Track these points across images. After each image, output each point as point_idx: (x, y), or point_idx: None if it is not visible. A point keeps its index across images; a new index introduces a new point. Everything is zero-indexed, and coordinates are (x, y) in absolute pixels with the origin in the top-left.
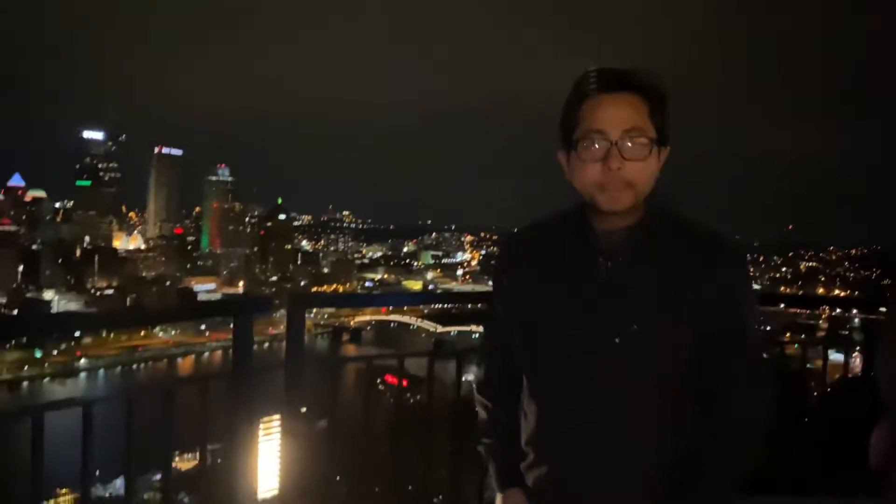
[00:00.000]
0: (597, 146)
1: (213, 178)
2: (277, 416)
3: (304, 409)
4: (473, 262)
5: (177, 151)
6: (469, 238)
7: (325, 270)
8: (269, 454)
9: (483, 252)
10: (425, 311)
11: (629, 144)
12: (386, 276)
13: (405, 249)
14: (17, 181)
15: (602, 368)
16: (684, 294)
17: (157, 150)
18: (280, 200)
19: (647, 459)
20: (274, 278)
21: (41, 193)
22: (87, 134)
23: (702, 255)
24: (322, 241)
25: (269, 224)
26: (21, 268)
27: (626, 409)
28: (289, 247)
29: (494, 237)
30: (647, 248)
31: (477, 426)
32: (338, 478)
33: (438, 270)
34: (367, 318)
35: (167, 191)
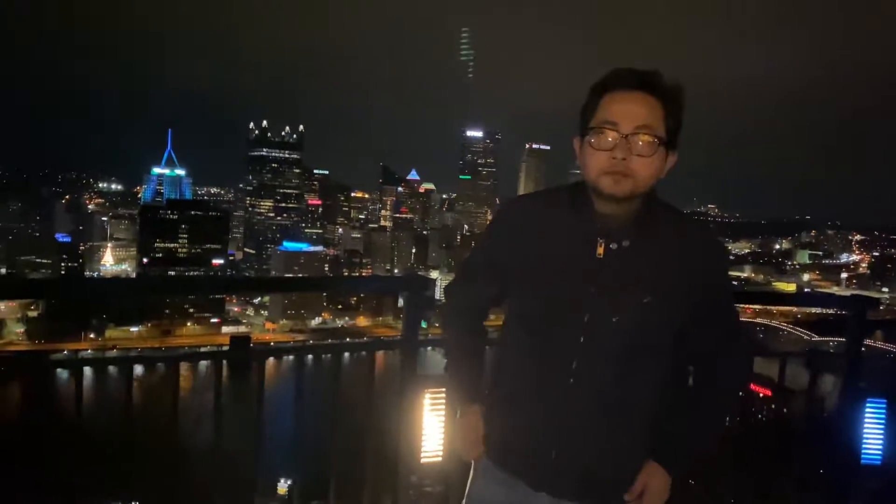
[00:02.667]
0: (608, 137)
1: (576, 171)
2: (444, 389)
3: None
4: (863, 265)
5: (545, 146)
6: (857, 237)
7: None
8: (434, 423)
9: (876, 254)
10: (798, 316)
11: (638, 140)
12: (752, 274)
13: (777, 247)
14: (413, 176)
15: (592, 332)
16: (677, 276)
17: (528, 146)
18: None
19: (618, 410)
20: None
21: (431, 186)
22: (470, 133)
23: (690, 243)
24: None
25: None
26: (414, 249)
27: (603, 367)
28: None
29: (893, 237)
30: (646, 235)
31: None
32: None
33: (816, 272)
34: None
35: (535, 183)
